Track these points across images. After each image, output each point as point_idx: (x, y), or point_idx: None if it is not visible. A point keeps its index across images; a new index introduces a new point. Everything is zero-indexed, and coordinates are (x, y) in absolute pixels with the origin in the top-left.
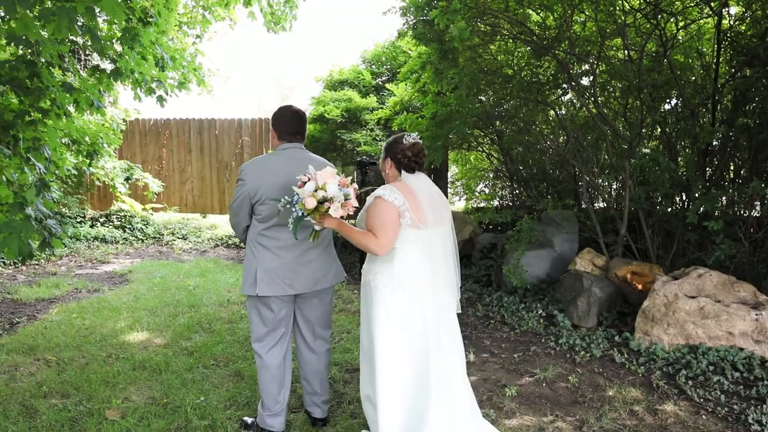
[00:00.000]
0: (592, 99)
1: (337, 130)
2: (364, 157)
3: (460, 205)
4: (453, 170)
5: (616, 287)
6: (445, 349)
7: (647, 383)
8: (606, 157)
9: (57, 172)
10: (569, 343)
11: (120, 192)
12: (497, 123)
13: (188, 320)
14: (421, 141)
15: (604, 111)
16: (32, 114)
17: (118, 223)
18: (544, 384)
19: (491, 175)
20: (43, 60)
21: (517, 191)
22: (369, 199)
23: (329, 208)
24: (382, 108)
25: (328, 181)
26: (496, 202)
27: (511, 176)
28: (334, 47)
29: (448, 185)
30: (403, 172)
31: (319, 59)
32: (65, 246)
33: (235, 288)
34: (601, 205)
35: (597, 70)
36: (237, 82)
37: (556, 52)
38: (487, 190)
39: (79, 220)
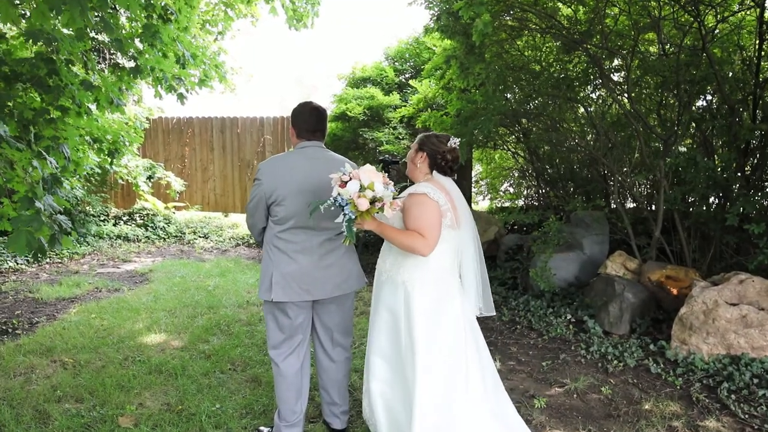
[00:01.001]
0: (626, 95)
1: (359, 129)
2: (387, 156)
3: (483, 204)
4: (477, 169)
5: (649, 292)
6: (473, 348)
7: (686, 396)
8: (638, 155)
9: (76, 170)
10: (601, 351)
11: (143, 190)
12: (524, 121)
13: (207, 322)
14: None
15: (638, 107)
16: (51, 112)
17: (141, 221)
18: (575, 395)
19: (516, 174)
20: (62, 57)
21: (543, 191)
22: (401, 196)
23: (381, 208)
24: (405, 106)
25: (375, 179)
26: (521, 202)
27: (538, 175)
28: (356, 46)
29: (472, 184)
30: (434, 171)
31: (341, 58)
32: (88, 244)
33: (254, 289)
34: (630, 205)
35: (631, 65)
36: (259, 81)
37: (588, 46)
38: (511, 190)
39: (102, 218)
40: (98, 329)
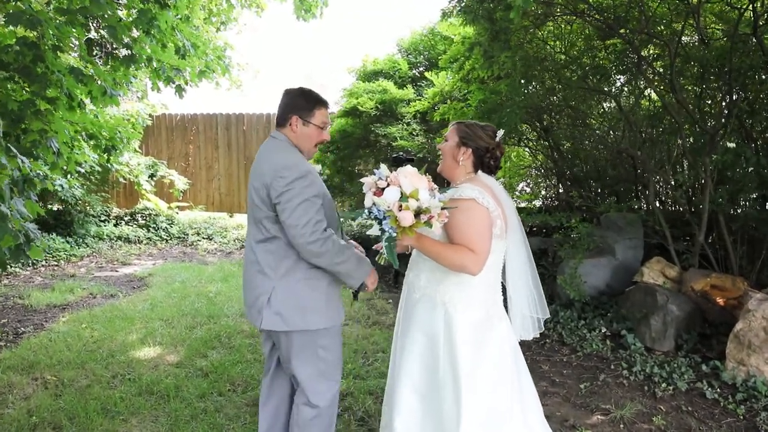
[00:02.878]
0: (669, 85)
1: (370, 124)
2: (401, 153)
3: None
4: None
5: (694, 304)
6: (516, 374)
7: (752, 428)
8: (678, 152)
9: (66, 167)
10: (645, 372)
11: (145, 190)
12: (546, 116)
13: (206, 333)
14: None
15: (684, 98)
16: (37, 103)
17: (143, 222)
18: (621, 425)
19: (534, 173)
20: (48, 43)
21: (562, 190)
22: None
23: (428, 221)
24: (419, 100)
25: (419, 185)
26: (538, 203)
27: (560, 174)
28: (359, 41)
29: None
30: (479, 170)
31: (346, 54)
32: (87, 246)
33: None
34: (659, 206)
35: (676, 51)
36: (268, 78)
37: (623, 31)
38: (528, 189)
39: (103, 218)
40: (87, 341)
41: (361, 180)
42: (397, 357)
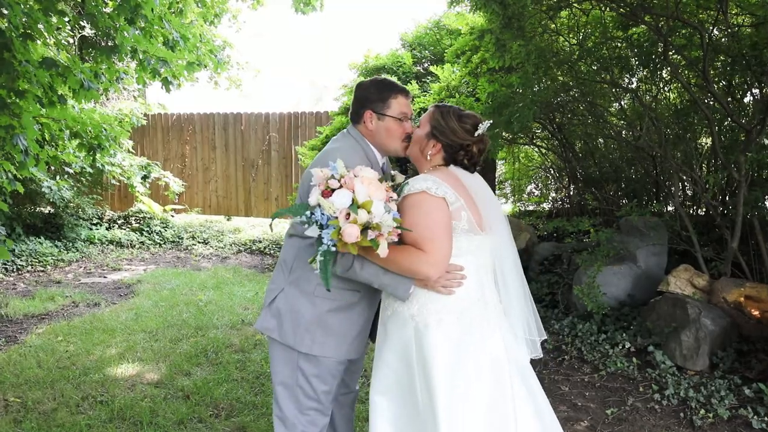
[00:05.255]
0: (701, 76)
1: None
2: None
3: (505, 208)
4: (499, 169)
5: (730, 318)
6: (525, 403)
7: None
8: (705, 150)
9: (37, 165)
10: (679, 395)
11: (138, 192)
12: (558, 113)
13: (191, 347)
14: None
15: (717, 90)
16: (3, 96)
17: (137, 225)
18: None
19: (543, 174)
20: (14, 28)
21: (574, 192)
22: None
23: (375, 240)
24: (424, 95)
25: (374, 195)
26: (547, 206)
27: (573, 175)
28: (364, 38)
29: (494, 186)
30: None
31: (352, 52)
32: (77, 250)
33: (252, 305)
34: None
35: (710, 37)
36: (272, 80)
37: (648, 18)
38: (537, 192)
39: (95, 221)
40: (61, 357)
41: (311, 171)
42: (373, 383)
